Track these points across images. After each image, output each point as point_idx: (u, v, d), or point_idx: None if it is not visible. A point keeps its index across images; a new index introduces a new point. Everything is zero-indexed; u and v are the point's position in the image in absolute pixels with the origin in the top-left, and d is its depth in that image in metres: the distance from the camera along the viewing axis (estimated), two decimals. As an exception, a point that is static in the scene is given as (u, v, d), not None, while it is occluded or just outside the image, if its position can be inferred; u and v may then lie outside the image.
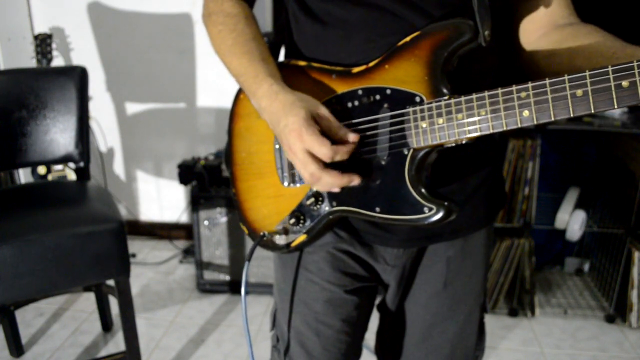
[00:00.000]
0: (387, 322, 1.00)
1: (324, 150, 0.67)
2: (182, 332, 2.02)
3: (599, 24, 0.72)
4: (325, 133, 0.71)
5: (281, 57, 0.90)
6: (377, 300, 1.00)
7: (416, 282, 0.90)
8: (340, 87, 0.75)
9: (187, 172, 2.22)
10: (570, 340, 2.00)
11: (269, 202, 0.85)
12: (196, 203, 2.17)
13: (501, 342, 1.99)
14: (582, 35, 0.71)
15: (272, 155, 0.84)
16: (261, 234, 0.85)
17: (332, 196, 0.77)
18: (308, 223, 0.80)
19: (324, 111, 0.72)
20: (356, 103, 0.74)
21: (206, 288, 2.27)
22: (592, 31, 0.71)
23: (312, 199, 0.78)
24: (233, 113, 0.90)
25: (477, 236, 0.87)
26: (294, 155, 0.70)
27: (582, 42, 0.70)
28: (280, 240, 0.83)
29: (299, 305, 0.90)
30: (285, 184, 0.82)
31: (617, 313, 2.10)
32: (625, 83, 0.54)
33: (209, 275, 2.26)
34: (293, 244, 0.82)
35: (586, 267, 2.40)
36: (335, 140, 0.71)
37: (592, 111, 0.57)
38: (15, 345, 1.83)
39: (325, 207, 0.78)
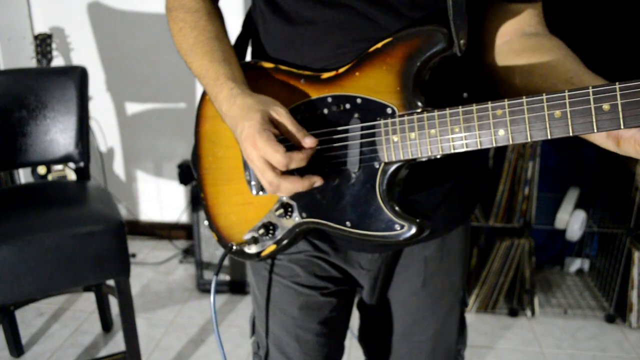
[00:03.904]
0: (367, 321, 0.99)
1: (278, 158, 0.63)
2: (182, 332, 2.02)
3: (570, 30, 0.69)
4: (284, 137, 0.67)
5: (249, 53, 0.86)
6: (357, 299, 0.99)
7: (394, 282, 0.89)
8: (309, 94, 0.72)
9: (187, 172, 2.22)
10: (570, 340, 2.00)
11: (237, 210, 0.82)
12: (196, 203, 2.17)
13: (501, 342, 1.99)
14: (544, 50, 0.68)
15: (239, 162, 0.80)
16: (229, 245, 0.82)
17: (302, 207, 0.75)
18: (278, 232, 0.78)
19: (280, 112, 0.67)
20: (325, 111, 0.71)
21: (206, 288, 2.27)
22: (555, 48, 0.69)
23: (282, 210, 0.75)
24: (199, 115, 0.87)
25: (453, 234, 0.86)
26: (251, 163, 0.67)
27: (541, 57, 0.67)
28: (250, 249, 0.80)
29: (276, 312, 0.89)
30: (254, 192, 0.79)
31: (617, 313, 2.09)
32: (606, 106, 0.51)
33: (209, 275, 2.26)
34: (263, 254, 0.80)
35: (586, 267, 2.40)
36: (293, 145, 0.67)
37: (571, 134, 0.53)
38: (15, 345, 1.83)
39: (295, 218, 0.75)
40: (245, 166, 0.80)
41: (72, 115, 1.73)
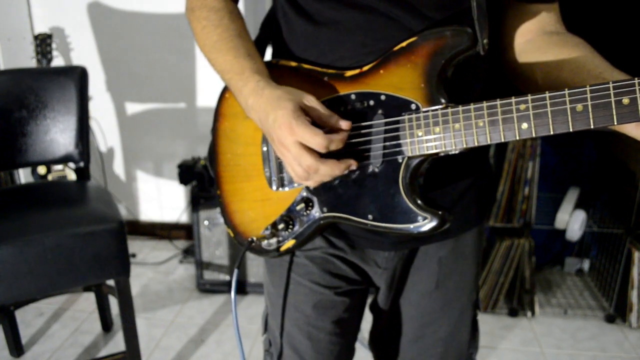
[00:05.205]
0: (379, 322, 0.99)
1: (318, 140, 0.65)
2: (182, 332, 2.02)
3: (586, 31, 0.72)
4: (316, 123, 0.68)
5: (268, 55, 0.87)
6: (369, 300, 0.99)
7: (408, 283, 0.89)
8: (333, 91, 0.73)
9: (187, 172, 2.22)
10: (570, 340, 2.00)
11: (255, 206, 0.83)
12: (196, 203, 2.17)
13: (501, 342, 1.99)
14: (571, 46, 0.70)
15: (259, 158, 0.82)
16: (249, 239, 0.83)
17: (322, 202, 0.76)
18: (297, 228, 0.78)
19: (312, 100, 0.69)
20: (349, 107, 0.72)
21: (206, 288, 2.27)
22: (580, 44, 0.71)
23: (302, 205, 0.77)
24: (218, 113, 0.88)
25: (468, 236, 0.87)
26: (286, 150, 0.67)
27: (569, 53, 0.69)
28: (268, 245, 0.81)
29: (290, 309, 0.89)
30: (274, 187, 0.80)
31: (617, 313, 2.09)
32: (625, 100, 0.54)
33: (209, 275, 2.26)
34: (282, 249, 0.81)
35: (586, 267, 2.40)
36: (327, 130, 0.68)
37: (592, 127, 0.56)
38: (15, 345, 1.83)
39: (316, 213, 0.76)
40: (265, 162, 0.81)
41: (72, 115, 1.73)
